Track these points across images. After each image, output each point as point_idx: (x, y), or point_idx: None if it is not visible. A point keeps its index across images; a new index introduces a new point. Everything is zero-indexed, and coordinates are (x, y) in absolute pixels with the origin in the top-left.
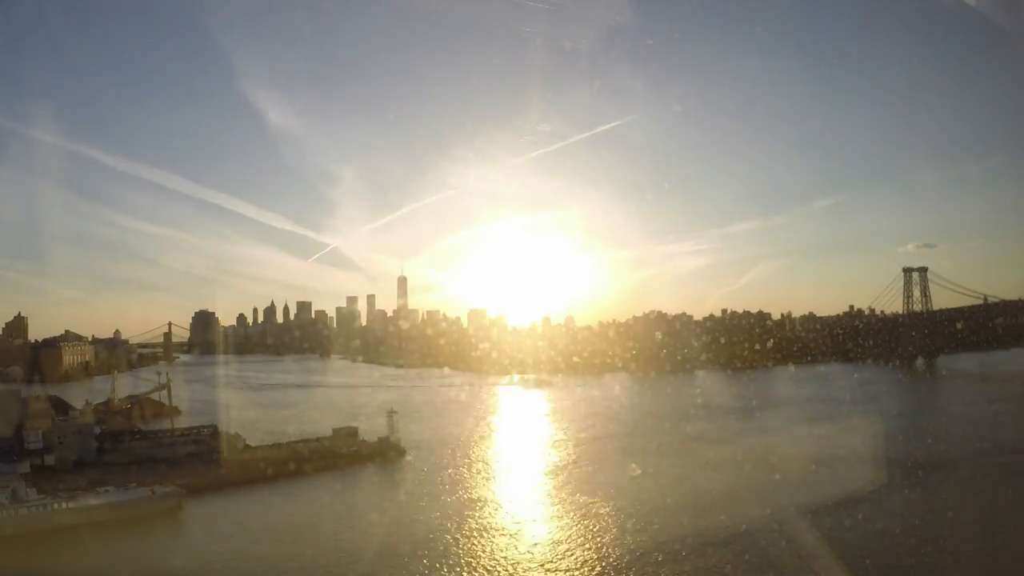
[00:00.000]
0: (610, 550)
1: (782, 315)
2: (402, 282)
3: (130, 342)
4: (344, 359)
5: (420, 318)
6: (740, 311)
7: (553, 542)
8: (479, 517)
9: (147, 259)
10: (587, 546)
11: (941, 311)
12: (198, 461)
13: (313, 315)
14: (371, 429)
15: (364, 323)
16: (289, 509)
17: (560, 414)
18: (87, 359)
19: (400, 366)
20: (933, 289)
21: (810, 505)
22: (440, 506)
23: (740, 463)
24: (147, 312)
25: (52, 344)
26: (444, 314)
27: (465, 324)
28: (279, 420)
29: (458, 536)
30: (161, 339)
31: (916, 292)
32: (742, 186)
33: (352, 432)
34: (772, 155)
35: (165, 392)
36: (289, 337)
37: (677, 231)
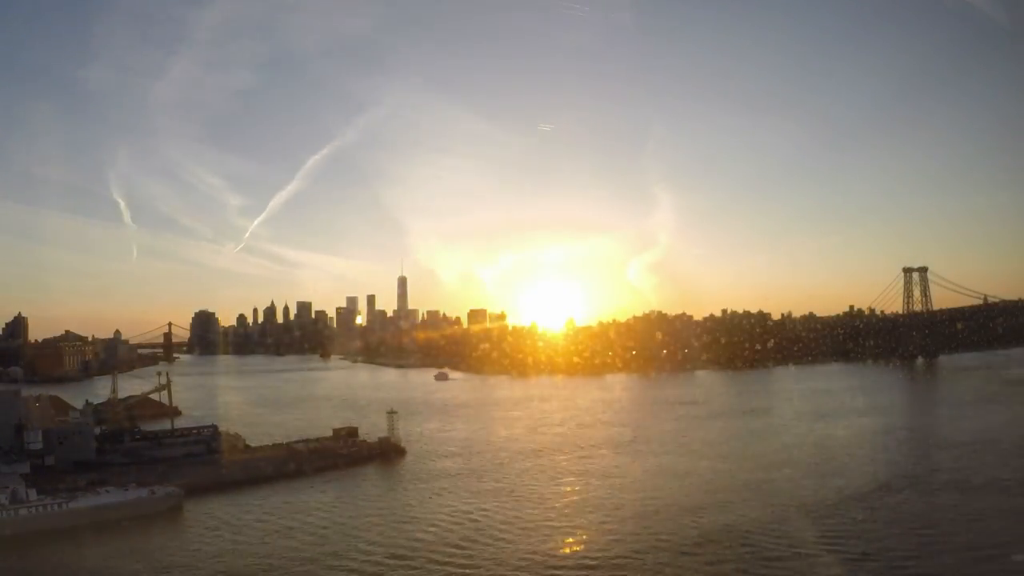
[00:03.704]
0: (609, 549)
1: (782, 315)
2: (402, 282)
3: (130, 342)
4: (344, 359)
5: (420, 318)
6: (740, 311)
7: (554, 540)
8: (477, 516)
9: (147, 259)
10: (585, 543)
11: (941, 311)
12: (198, 461)
13: (313, 315)
14: (372, 429)
15: (364, 323)
16: (288, 509)
17: (559, 414)
18: (87, 359)
19: (401, 366)
20: (933, 289)
21: (811, 504)
22: (438, 506)
23: (740, 464)
24: (147, 312)
25: (52, 344)
26: (444, 314)
27: (465, 324)
28: (279, 420)
29: (456, 536)
30: (161, 339)
31: (916, 292)
32: (756, 217)
33: (352, 432)
34: (785, 193)
35: (165, 392)
36: (289, 337)
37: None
